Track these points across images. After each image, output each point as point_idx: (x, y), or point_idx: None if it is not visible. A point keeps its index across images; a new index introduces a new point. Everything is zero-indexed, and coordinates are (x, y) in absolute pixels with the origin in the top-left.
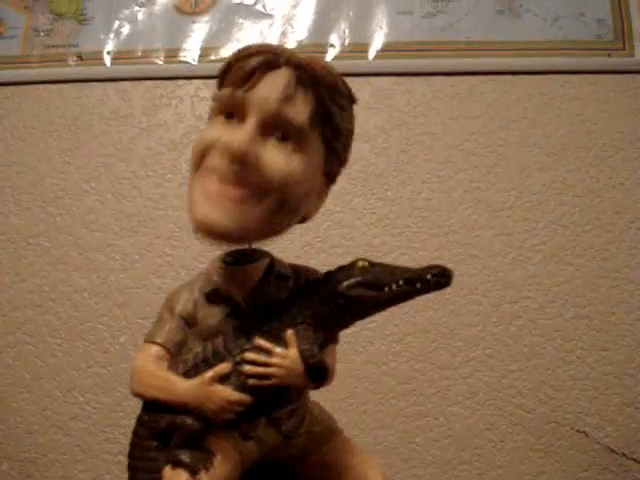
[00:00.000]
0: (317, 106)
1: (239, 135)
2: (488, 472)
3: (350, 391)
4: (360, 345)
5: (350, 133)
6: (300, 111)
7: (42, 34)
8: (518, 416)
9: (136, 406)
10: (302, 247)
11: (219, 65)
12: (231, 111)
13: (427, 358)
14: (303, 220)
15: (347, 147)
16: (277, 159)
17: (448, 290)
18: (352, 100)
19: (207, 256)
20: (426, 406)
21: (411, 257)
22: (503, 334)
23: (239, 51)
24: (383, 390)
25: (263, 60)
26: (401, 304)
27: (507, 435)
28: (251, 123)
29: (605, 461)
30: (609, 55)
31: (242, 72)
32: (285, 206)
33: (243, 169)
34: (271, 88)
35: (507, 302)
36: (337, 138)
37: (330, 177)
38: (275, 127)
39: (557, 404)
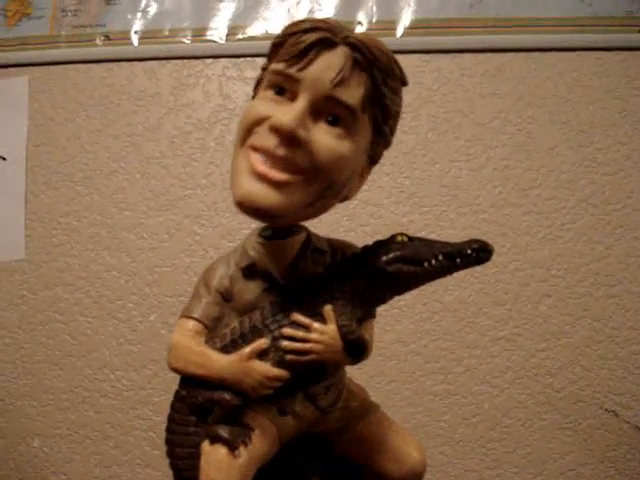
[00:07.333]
0: (370, 89)
1: (290, 115)
2: (516, 450)
3: (378, 369)
4: (389, 324)
5: (398, 116)
6: (353, 94)
7: (69, 14)
8: (547, 395)
9: (166, 383)
10: (330, 226)
11: (246, 44)
12: (282, 87)
13: (455, 337)
14: (342, 200)
15: (394, 130)
16: (327, 143)
17: (477, 269)
18: (403, 82)
19: (235, 235)
20: (454, 384)
21: (439, 236)
22: (532, 313)
23: (294, 24)
24: (411, 368)
25: (319, 37)
26: (430, 283)
27: (535, 414)
28: (303, 103)
29: (634, 440)
30: None
31: (297, 48)
32: (330, 190)
33: (291, 152)
34: (326, 69)
35: (536, 281)
36: (386, 121)
37: (373, 159)
38: (326, 108)
39: (586, 383)
